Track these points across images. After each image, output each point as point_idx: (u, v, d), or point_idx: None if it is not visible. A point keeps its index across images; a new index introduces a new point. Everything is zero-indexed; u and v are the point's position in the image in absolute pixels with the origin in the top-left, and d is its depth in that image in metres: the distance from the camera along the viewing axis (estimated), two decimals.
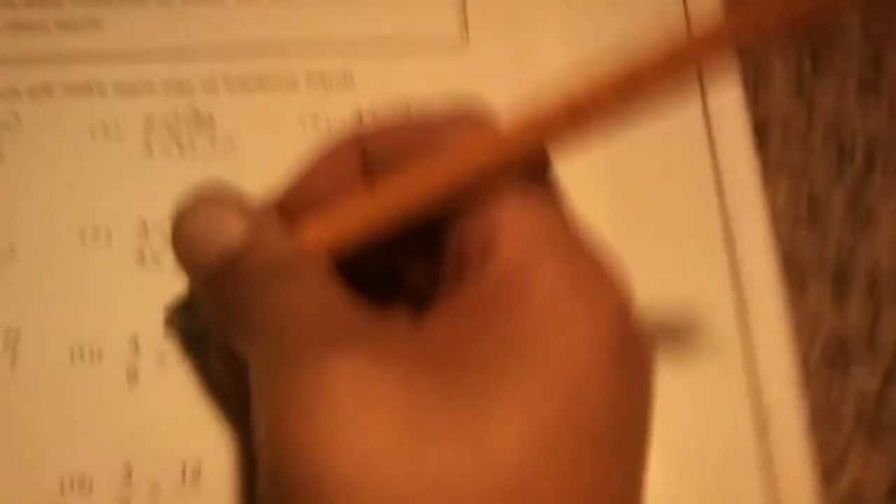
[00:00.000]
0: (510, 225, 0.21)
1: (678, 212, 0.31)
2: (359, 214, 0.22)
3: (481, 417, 0.19)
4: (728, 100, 0.32)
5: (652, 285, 0.29)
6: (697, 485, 0.27)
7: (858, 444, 0.31)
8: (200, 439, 0.27)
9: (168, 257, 0.29)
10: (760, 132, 0.35)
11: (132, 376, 0.27)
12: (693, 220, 0.31)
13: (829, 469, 0.30)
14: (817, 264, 0.34)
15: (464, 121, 0.22)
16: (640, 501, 0.21)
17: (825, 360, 0.33)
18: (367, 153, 0.23)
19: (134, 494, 0.26)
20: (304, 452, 0.19)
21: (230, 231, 0.22)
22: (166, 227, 0.27)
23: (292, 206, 0.24)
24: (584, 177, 0.31)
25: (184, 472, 0.26)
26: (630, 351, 0.21)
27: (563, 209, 0.22)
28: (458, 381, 0.20)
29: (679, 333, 0.29)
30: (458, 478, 0.19)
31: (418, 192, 0.22)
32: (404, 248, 0.24)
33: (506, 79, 0.31)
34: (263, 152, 0.31)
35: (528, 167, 0.22)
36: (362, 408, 0.19)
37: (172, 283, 0.28)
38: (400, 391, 0.20)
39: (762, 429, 0.28)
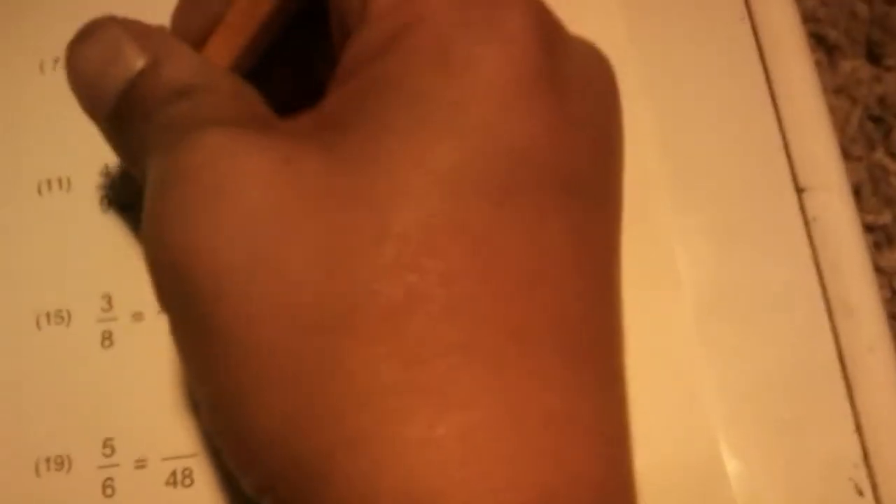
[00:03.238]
0: None
1: None
2: (239, 12, 0.20)
3: (366, 172, 0.16)
4: None
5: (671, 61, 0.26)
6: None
7: None
8: None
9: None
10: None
11: (105, 203, 0.25)
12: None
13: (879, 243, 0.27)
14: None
15: None
16: (593, 253, 0.17)
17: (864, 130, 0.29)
18: None
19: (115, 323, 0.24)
20: (175, 238, 0.16)
21: (128, 62, 0.18)
22: None
23: (187, 27, 0.21)
24: None
25: None
26: (548, 81, 0.17)
27: None
28: (342, 141, 0.17)
29: (703, 110, 0.26)
30: (342, 238, 0.15)
31: None
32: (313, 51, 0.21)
33: None
34: None
35: None
36: (232, 181, 0.16)
37: None
38: (278, 160, 0.16)
39: (803, 207, 0.24)
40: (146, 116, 0.18)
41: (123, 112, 0.19)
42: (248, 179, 0.16)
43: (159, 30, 0.19)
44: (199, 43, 0.20)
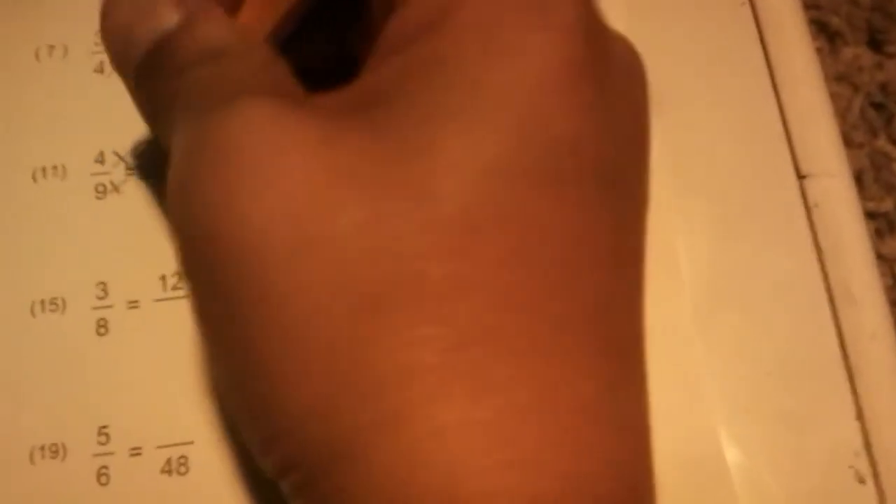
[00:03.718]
0: None
1: None
2: None
3: (414, 155, 0.16)
4: None
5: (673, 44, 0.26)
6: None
7: None
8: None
9: None
10: None
11: (100, 193, 0.24)
12: None
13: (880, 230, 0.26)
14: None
15: None
16: (626, 245, 0.17)
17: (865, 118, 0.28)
18: None
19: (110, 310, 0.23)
20: (212, 208, 0.16)
21: (162, 17, 0.18)
22: None
23: None
24: None
25: (164, 285, 0.23)
26: (594, 72, 0.17)
27: None
28: (385, 121, 0.16)
29: (704, 97, 0.25)
30: (389, 219, 0.15)
31: None
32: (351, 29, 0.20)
33: None
34: None
35: None
36: (275, 153, 0.16)
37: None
38: (321, 135, 0.16)
39: (804, 194, 0.24)
40: (175, 74, 0.18)
41: (151, 67, 0.18)
42: (291, 153, 0.16)
43: None
44: (233, 9, 0.19)
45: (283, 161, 0.16)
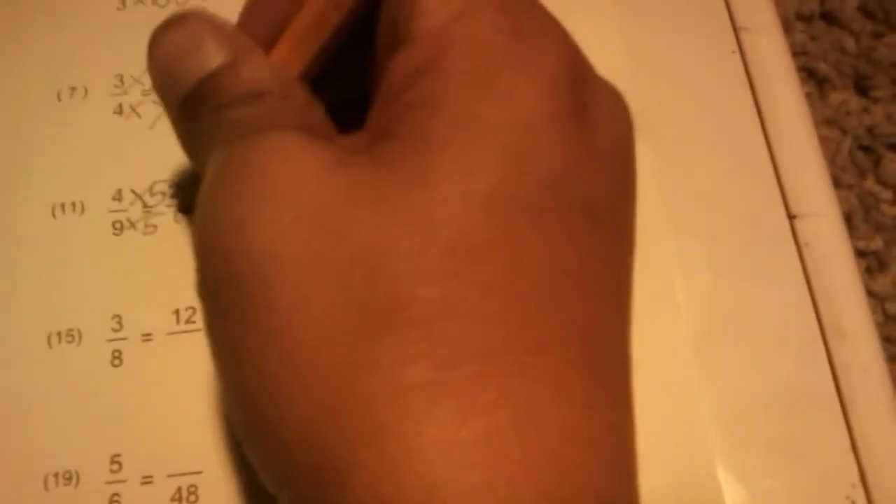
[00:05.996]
0: None
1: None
2: (311, 21, 0.19)
3: (413, 183, 0.16)
4: None
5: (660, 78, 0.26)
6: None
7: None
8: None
9: (146, 109, 0.26)
10: None
11: (117, 229, 0.24)
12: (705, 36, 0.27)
13: (870, 267, 0.26)
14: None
15: None
16: (611, 275, 0.17)
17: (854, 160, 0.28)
18: None
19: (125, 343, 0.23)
20: (227, 225, 0.16)
21: (209, 57, 0.18)
22: (143, 79, 0.25)
23: (253, 30, 0.20)
24: None
25: (177, 319, 0.23)
26: (580, 116, 0.17)
27: None
28: (389, 154, 0.17)
29: (697, 141, 0.25)
30: (388, 242, 0.15)
31: None
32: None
33: None
34: None
35: None
36: (293, 176, 0.16)
37: (152, 134, 0.25)
38: (334, 160, 0.16)
39: (795, 233, 0.24)
40: (216, 111, 0.18)
41: (194, 102, 0.18)
42: (303, 177, 0.16)
43: (242, 33, 0.19)
44: (265, 46, 0.20)
45: (299, 184, 0.16)
